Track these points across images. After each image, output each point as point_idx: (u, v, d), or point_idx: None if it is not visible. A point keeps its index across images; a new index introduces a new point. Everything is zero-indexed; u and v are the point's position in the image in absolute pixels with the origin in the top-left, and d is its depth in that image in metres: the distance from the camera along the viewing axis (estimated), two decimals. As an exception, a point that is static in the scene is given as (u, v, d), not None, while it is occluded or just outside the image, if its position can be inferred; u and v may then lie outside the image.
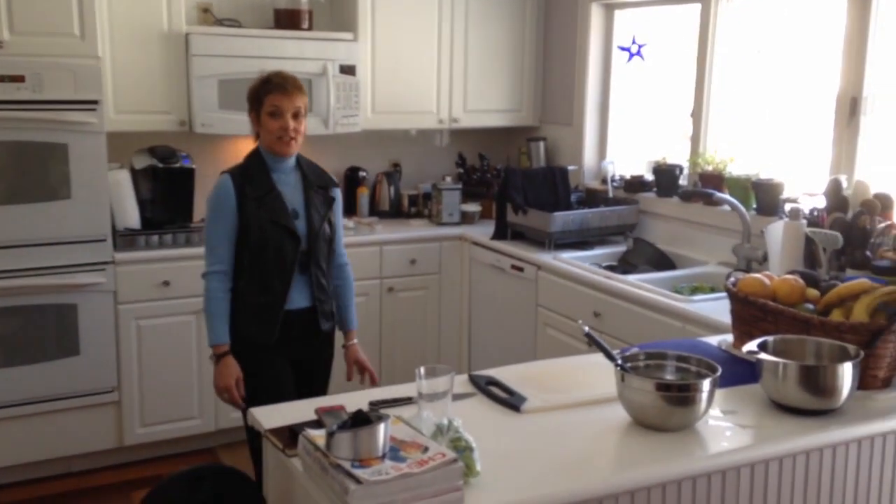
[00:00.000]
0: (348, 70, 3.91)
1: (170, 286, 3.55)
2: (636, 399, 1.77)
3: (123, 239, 3.53)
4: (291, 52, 3.81)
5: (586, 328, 1.88)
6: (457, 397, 1.88)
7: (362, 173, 4.34)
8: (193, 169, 3.70)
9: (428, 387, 1.68)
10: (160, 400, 3.60)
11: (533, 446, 1.69)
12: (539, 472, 1.57)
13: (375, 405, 1.81)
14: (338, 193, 2.64)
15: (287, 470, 1.63)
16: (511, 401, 1.89)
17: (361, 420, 1.43)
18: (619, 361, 1.82)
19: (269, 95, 2.47)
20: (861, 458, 1.83)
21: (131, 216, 3.58)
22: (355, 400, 1.82)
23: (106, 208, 3.43)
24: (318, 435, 1.46)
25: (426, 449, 1.43)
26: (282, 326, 2.47)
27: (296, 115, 2.48)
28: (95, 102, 3.31)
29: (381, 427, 1.41)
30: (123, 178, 3.57)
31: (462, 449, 1.50)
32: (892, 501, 1.89)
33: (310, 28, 3.98)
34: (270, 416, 1.80)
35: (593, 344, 1.88)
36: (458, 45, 4.23)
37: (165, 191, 3.66)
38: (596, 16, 4.12)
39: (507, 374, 2.08)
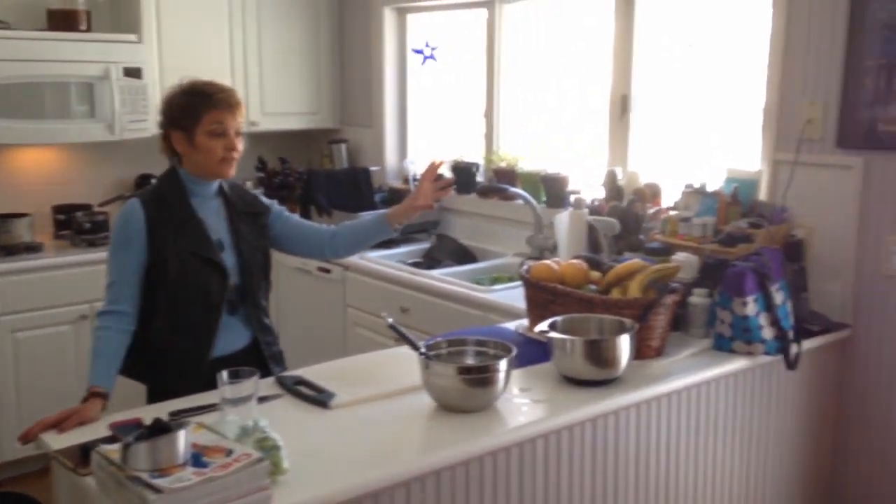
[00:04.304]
0: (133, 73, 3.73)
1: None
2: (439, 384, 1.85)
3: None
4: (69, 55, 3.58)
5: (390, 320, 1.94)
6: (264, 399, 1.87)
7: (154, 181, 4.15)
8: (-38, 182, 3.38)
9: (232, 391, 1.65)
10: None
11: (342, 440, 1.72)
12: (348, 464, 1.60)
13: (176, 415, 1.76)
14: (276, 211, 2.33)
15: (81, 491, 1.55)
16: (319, 398, 1.91)
17: (160, 429, 1.39)
18: (423, 350, 1.89)
19: (212, 111, 2.10)
20: (640, 420, 2.02)
21: None
22: (154, 413, 1.75)
23: None
24: (113, 449, 1.40)
25: (230, 452, 1.42)
26: (211, 378, 2.04)
27: (237, 134, 2.15)
28: None
29: (181, 434, 1.37)
30: None
31: (269, 448, 1.50)
32: (668, 457, 2.10)
33: (88, 29, 3.75)
34: (60, 436, 1.70)
35: (398, 335, 1.94)
36: (251, 47, 4.16)
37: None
38: (389, 19, 4.21)
39: (315, 372, 2.09)
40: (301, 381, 2.00)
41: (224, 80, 4.02)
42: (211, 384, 2.03)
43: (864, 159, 2.45)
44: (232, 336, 2.20)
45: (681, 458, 2.13)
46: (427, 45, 4.06)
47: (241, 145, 2.17)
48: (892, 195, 2.41)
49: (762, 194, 2.71)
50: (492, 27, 3.76)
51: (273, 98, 4.27)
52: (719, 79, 3.06)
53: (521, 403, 1.91)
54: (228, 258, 2.18)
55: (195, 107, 2.11)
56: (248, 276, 2.21)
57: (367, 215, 2.45)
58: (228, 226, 2.21)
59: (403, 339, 1.90)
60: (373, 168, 4.17)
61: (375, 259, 3.54)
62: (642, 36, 3.25)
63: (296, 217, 2.44)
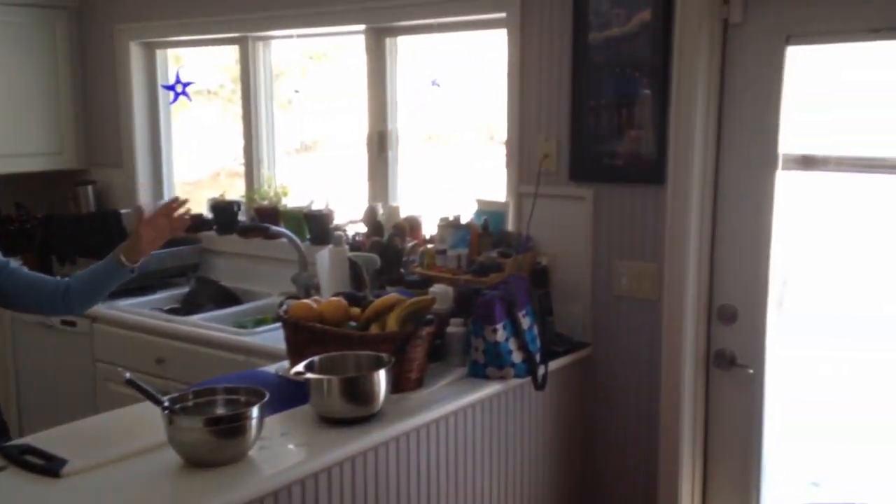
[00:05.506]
0: None
1: None
2: (187, 439, 1.74)
3: None
4: None
5: (127, 374, 1.81)
6: (-20, 476, 1.66)
7: None
8: None
9: (-67, 471, 1.45)
10: None
11: (73, 511, 1.57)
12: (78, 538, 1.46)
13: None
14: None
15: None
16: (48, 466, 1.73)
17: None
18: (166, 404, 1.77)
19: None
20: (400, 453, 2.03)
21: None
22: None
23: None
24: None
25: (-75, 543, 1.23)
26: None
27: None
28: None
29: None
30: None
31: (-23, 533, 1.32)
32: (429, 487, 2.13)
33: None
34: None
35: (138, 391, 1.81)
36: (-25, 83, 3.78)
37: None
38: (136, 55, 3.99)
39: (49, 437, 1.91)
40: (29, 450, 1.81)
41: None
42: None
43: (594, 190, 2.68)
44: None
45: (441, 486, 2.17)
46: (178, 82, 3.89)
47: None
48: (618, 223, 2.65)
49: (510, 225, 2.87)
50: (246, 63, 3.70)
51: (5, 138, 3.88)
52: (471, 115, 3.22)
53: (277, 450, 1.85)
54: None
55: None
56: None
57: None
58: None
59: (143, 393, 1.78)
60: (124, 210, 3.92)
61: (126, 308, 3.32)
62: (395, 73, 3.35)
63: (26, 271, 2.24)
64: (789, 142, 2.41)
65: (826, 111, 2.40)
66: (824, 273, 2.52)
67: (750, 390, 2.53)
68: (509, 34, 2.79)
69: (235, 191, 3.94)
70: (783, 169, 2.42)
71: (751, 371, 2.51)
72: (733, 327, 2.54)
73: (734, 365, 2.55)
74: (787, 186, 2.43)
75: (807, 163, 2.41)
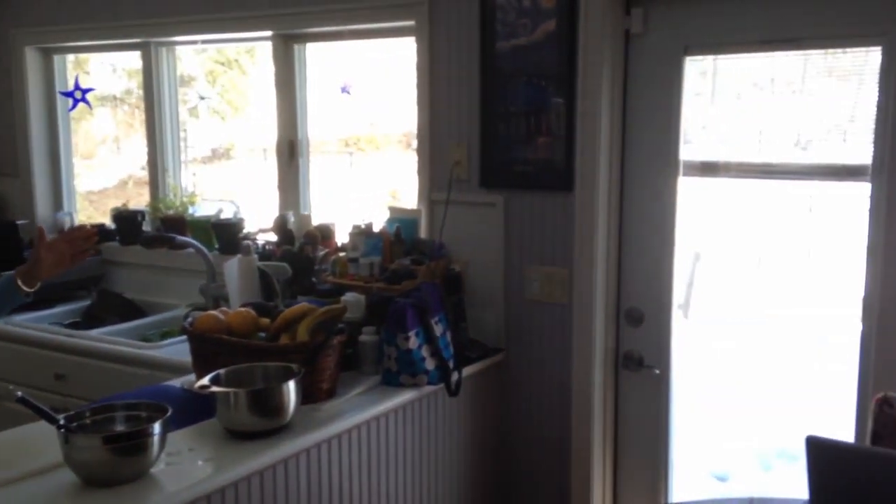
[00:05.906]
0: None
1: None
2: (84, 458, 1.67)
3: None
4: None
5: (19, 393, 1.72)
6: None
7: None
8: None
9: None
10: None
11: (-43, 540, 1.47)
12: (-38, 568, 1.38)
13: None
14: None
15: None
16: (-69, 493, 1.63)
17: None
18: (62, 422, 1.69)
19: None
20: (311, 465, 2.00)
21: None
22: None
23: None
24: None
25: None
26: None
27: None
28: None
29: None
30: None
31: None
32: (342, 498, 2.10)
33: None
34: None
35: (31, 409, 1.72)
36: None
37: None
38: (32, 60, 3.82)
39: (-64, 461, 1.79)
40: (-90, 476, 1.70)
41: None
42: None
43: (505, 197, 2.70)
44: None
45: (354, 497, 2.14)
46: (77, 88, 3.74)
47: None
48: (529, 229, 2.68)
49: (422, 232, 2.87)
50: (149, 69, 3.59)
51: None
52: (386, 122, 3.20)
53: (182, 466, 1.79)
54: None
55: None
56: None
57: None
58: None
59: (37, 412, 1.70)
60: (20, 221, 3.74)
61: (23, 322, 3.17)
62: (305, 80, 3.31)
63: None
64: (690, 148, 2.49)
65: (725, 119, 2.49)
66: (728, 275, 2.61)
67: (657, 390, 2.60)
68: (418, 42, 2.80)
69: (144, 200, 3.82)
70: (685, 175, 2.50)
71: (657, 371, 2.58)
72: (640, 329, 2.61)
73: (642, 366, 2.61)
74: (691, 192, 2.51)
75: (707, 169, 2.49)
